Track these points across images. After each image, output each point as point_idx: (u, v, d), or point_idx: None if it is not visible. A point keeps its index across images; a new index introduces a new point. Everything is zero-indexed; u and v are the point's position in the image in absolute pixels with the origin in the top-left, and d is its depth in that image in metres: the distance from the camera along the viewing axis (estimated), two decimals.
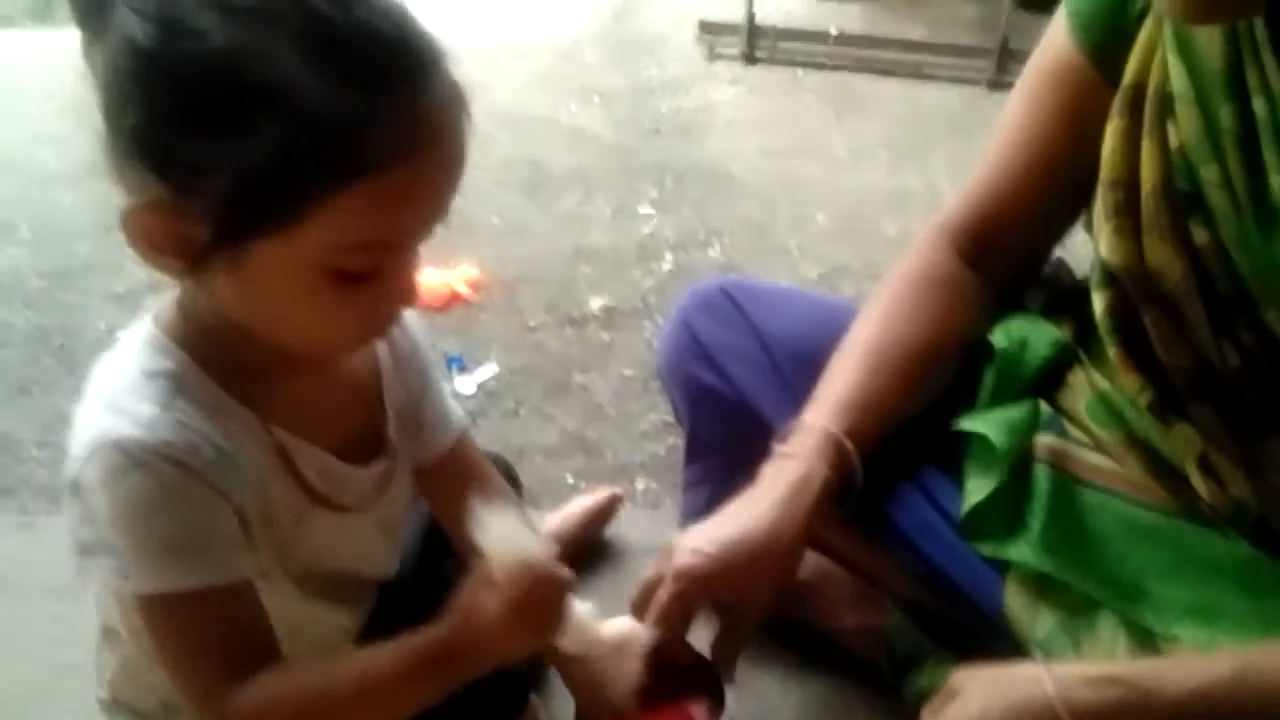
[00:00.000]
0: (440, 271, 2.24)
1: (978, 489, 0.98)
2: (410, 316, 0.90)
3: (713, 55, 3.53)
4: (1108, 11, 0.95)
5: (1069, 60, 0.98)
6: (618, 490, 1.52)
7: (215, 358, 0.75)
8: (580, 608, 0.82)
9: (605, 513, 1.50)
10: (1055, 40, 1.00)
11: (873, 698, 1.12)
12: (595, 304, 2.23)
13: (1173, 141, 0.89)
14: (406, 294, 0.73)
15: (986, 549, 0.97)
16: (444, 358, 2.01)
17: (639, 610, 0.95)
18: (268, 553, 0.79)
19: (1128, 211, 0.93)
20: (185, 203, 0.65)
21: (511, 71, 3.37)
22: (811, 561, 1.16)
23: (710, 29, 3.59)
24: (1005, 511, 0.98)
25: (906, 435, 1.04)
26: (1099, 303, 0.99)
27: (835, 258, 2.43)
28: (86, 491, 0.71)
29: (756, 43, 3.49)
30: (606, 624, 0.91)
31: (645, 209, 2.64)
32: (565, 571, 0.74)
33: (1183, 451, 0.94)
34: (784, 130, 3.09)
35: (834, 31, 3.50)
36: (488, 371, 2.02)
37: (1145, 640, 0.90)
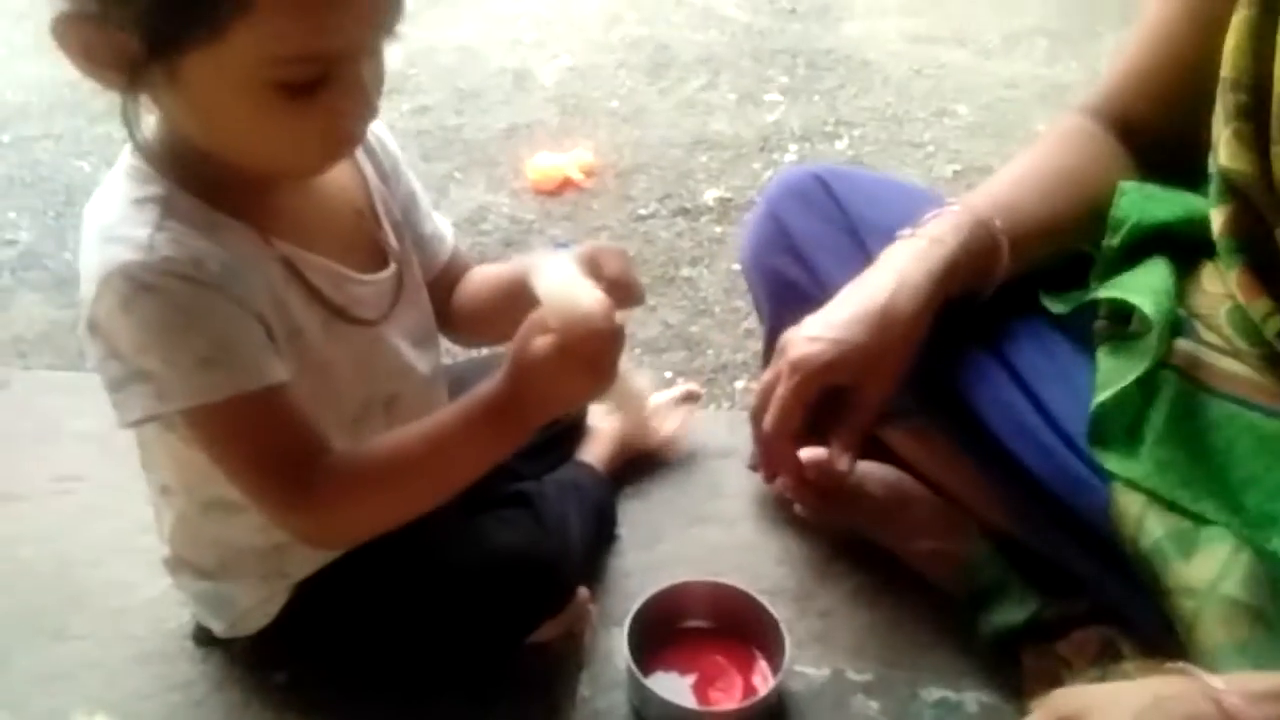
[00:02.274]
0: (554, 155, 2.19)
1: (1113, 378, 0.87)
2: (385, 134, 0.91)
3: None
4: None
5: None
6: (694, 387, 1.45)
7: (200, 178, 0.75)
8: (631, 368, 0.81)
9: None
10: None
11: (944, 628, 1.04)
12: (710, 196, 2.14)
13: None
14: (360, 106, 0.72)
15: (1101, 455, 0.87)
16: (553, 244, 1.97)
17: (759, 414, 0.93)
18: (307, 378, 0.79)
19: (1252, 115, 0.82)
20: (111, 10, 0.65)
21: None
22: (891, 478, 1.08)
23: None
24: (1126, 417, 0.88)
25: (998, 314, 0.95)
26: (1218, 218, 0.87)
27: (974, 155, 2.26)
28: (105, 327, 0.72)
29: None
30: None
31: (773, 96, 2.51)
32: (618, 321, 0.73)
33: None
34: (930, 13, 2.88)
35: None
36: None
37: (1274, 566, 0.80)
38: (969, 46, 2.71)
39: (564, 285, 0.72)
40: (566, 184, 2.15)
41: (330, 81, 0.69)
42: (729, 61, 2.65)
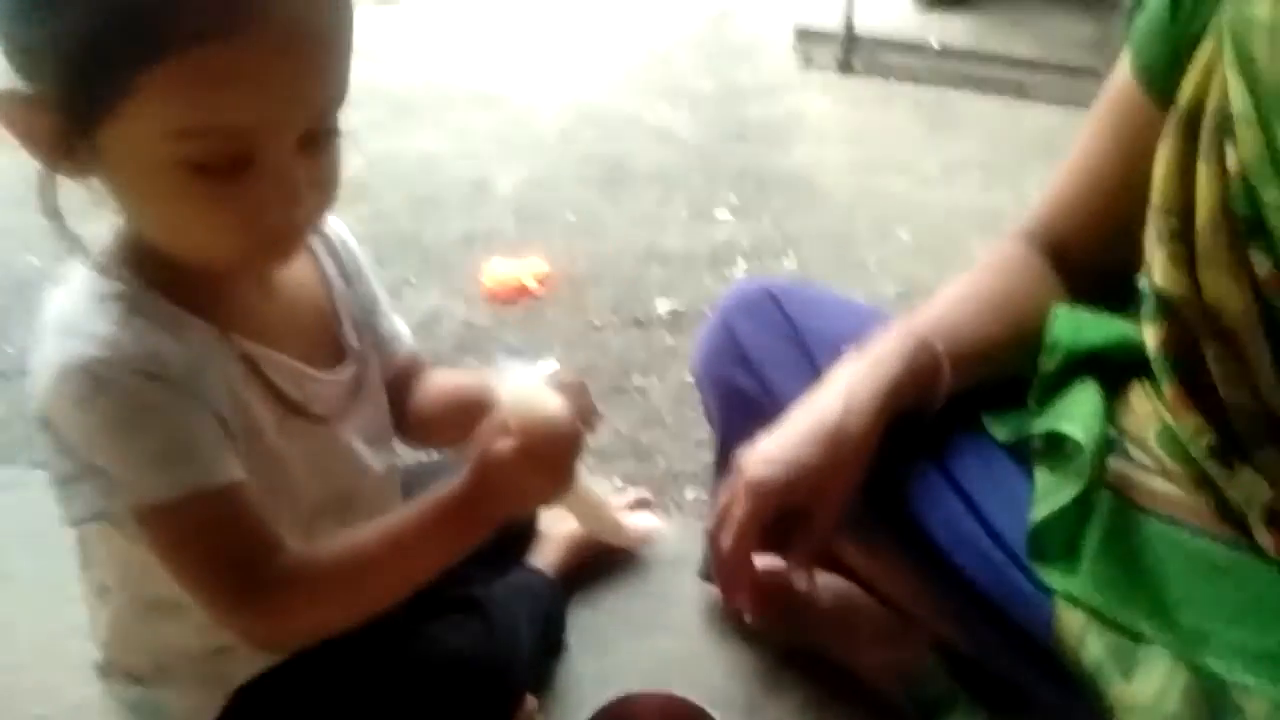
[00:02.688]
0: (509, 263, 2.23)
1: (1050, 497, 0.91)
2: (346, 235, 0.92)
3: (807, 63, 3.48)
4: (1162, 32, 0.91)
5: (1124, 85, 0.95)
6: (645, 493, 1.46)
7: (160, 275, 0.75)
8: (589, 478, 0.82)
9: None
10: (1118, 69, 0.97)
11: None
12: (662, 307, 2.19)
13: (1231, 164, 0.82)
14: (286, 198, 0.70)
15: (1042, 571, 0.90)
16: (505, 349, 1.99)
17: (716, 535, 0.94)
18: (262, 477, 0.78)
19: (1182, 238, 0.87)
20: (35, 90, 0.67)
21: (600, 69, 3.36)
22: (840, 589, 1.10)
23: (806, 37, 3.53)
24: (1063, 534, 0.91)
25: (941, 431, 0.99)
26: (1153, 336, 0.91)
27: (916, 276, 2.35)
28: (57, 421, 0.72)
29: (853, 52, 3.42)
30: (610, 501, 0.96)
31: (723, 214, 2.59)
32: (578, 426, 0.75)
33: (1247, 500, 0.86)
34: (874, 143, 3.02)
35: (935, 44, 3.41)
36: (547, 368, 1.99)
37: (1209, 682, 0.83)
38: (909, 174, 2.83)
39: (528, 390, 0.76)
40: (521, 292, 2.19)
41: (254, 168, 0.68)
42: (681, 179, 2.74)
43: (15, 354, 1.95)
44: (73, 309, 0.73)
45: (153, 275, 0.75)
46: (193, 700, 0.89)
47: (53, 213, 0.74)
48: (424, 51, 3.61)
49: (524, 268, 2.23)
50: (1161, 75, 0.91)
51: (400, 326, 1.00)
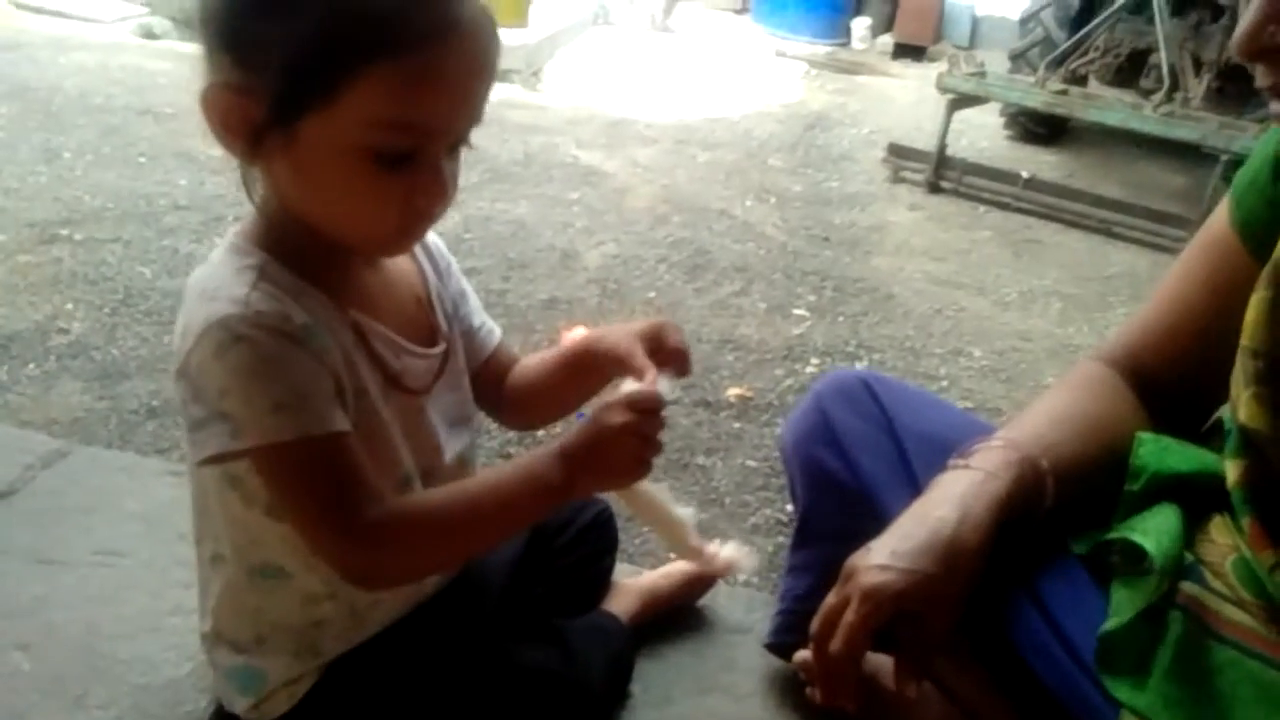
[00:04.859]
0: (589, 331, 2.29)
1: (1123, 609, 0.91)
2: (439, 242, 1.03)
3: (896, 178, 3.55)
4: (1262, 189, 0.96)
5: (1221, 233, 1.00)
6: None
7: (291, 252, 0.85)
8: (671, 498, 0.94)
9: (705, 582, 1.49)
10: (1217, 215, 1.02)
11: None
12: (732, 392, 2.24)
13: None
14: (438, 188, 0.82)
15: (1112, 684, 0.91)
16: (576, 414, 2.05)
17: (821, 638, 0.94)
18: (366, 436, 0.86)
19: (1268, 380, 0.90)
20: (249, 81, 0.77)
21: (696, 160, 3.47)
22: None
23: (899, 152, 3.62)
24: (1135, 650, 0.91)
25: (1024, 546, 1.00)
26: (1234, 470, 0.93)
27: (985, 395, 2.37)
28: (195, 372, 0.80)
29: (943, 173, 3.49)
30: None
31: (800, 310, 2.65)
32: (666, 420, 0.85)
33: None
34: (955, 261, 3.07)
35: (1025, 175, 3.47)
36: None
37: None
38: (988, 297, 2.87)
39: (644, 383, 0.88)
40: None
41: (416, 160, 0.79)
42: (763, 274, 2.81)
43: (119, 355, 2.05)
44: (213, 278, 0.83)
45: (283, 253, 0.85)
46: (289, 672, 0.96)
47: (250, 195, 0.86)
48: (527, 123, 3.77)
49: None
50: (1259, 228, 0.96)
51: (490, 322, 1.09)
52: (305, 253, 0.85)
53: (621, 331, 0.95)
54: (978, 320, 2.73)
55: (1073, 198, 3.44)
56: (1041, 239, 3.28)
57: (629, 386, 0.87)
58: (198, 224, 2.61)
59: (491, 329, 1.07)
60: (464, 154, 0.86)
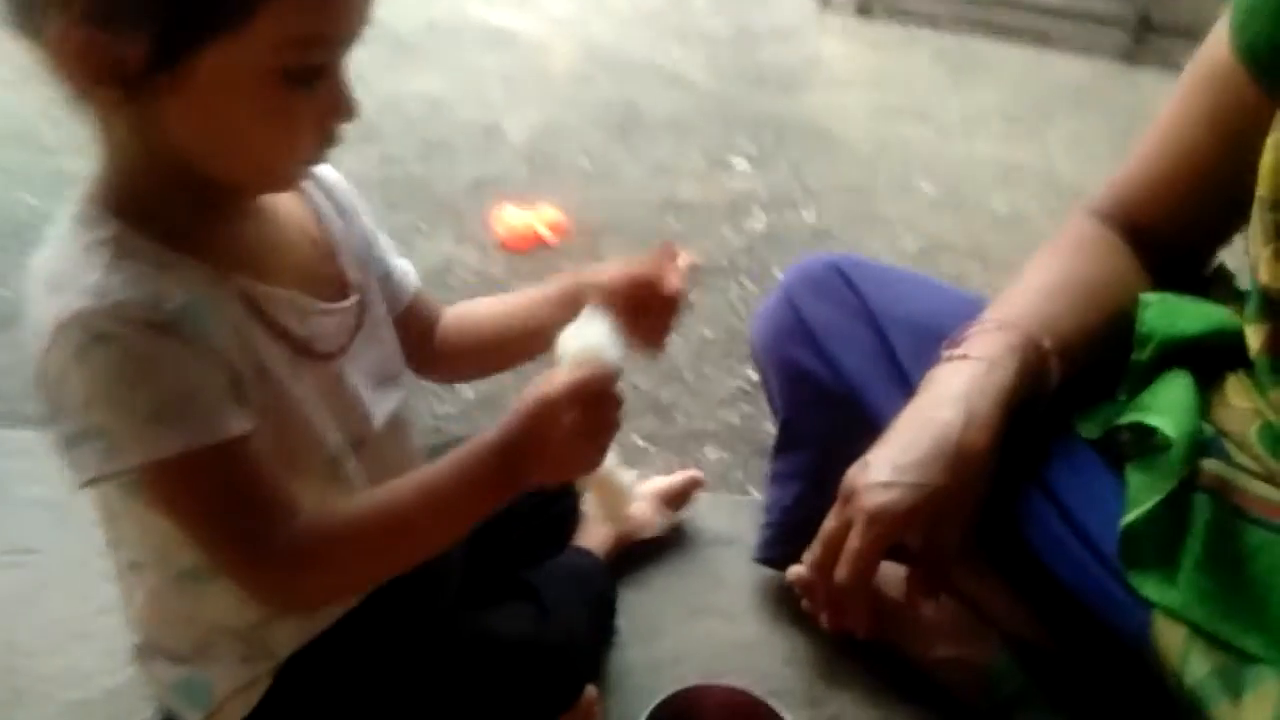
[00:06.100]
0: (522, 211, 2.17)
1: (1142, 497, 0.83)
2: (335, 175, 0.90)
3: (825, 5, 3.38)
4: (1271, 10, 0.82)
5: (1222, 63, 0.87)
6: (698, 474, 1.43)
7: (151, 214, 0.71)
8: (616, 464, 0.79)
9: (681, 496, 1.43)
10: (1214, 41, 0.88)
11: None
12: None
13: None
14: (350, 103, 0.72)
15: (1138, 580, 0.85)
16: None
17: (824, 565, 0.85)
18: (279, 421, 0.75)
19: None
20: (127, 12, 0.64)
21: (615, 9, 3.26)
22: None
23: None
24: (1160, 541, 0.84)
25: (1028, 434, 0.91)
26: (1257, 336, 0.85)
27: (937, 231, 2.30)
28: (55, 382, 0.67)
29: None
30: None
31: (740, 164, 2.53)
32: (622, 394, 0.72)
33: None
34: (894, 90, 2.95)
35: None
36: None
37: None
38: (930, 124, 2.78)
39: (589, 338, 0.74)
40: (535, 240, 2.13)
41: (324, 77, 0.70)
42: (697, 126, 2.68)
43: (13, 297, 1.89)
44: (59, 262, 0.69)
45: (142, 216, 0.71)
46: (238, 679, 0.85)
47: None
48: None
49: (537, 216, 2.16)
50: (1267, 54, 0.83)
51: (404, 264, 0.96)
52: (171, 211, 0.71)
53: (617, 273, 0.86)
54: (922, 151, 2.64)
55: (1008, 6, 3.31)
56: (979, 56, 3.17)
57: (572, 345, 0.74)
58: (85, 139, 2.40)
59: (407, 270, 0.94)
60: None
